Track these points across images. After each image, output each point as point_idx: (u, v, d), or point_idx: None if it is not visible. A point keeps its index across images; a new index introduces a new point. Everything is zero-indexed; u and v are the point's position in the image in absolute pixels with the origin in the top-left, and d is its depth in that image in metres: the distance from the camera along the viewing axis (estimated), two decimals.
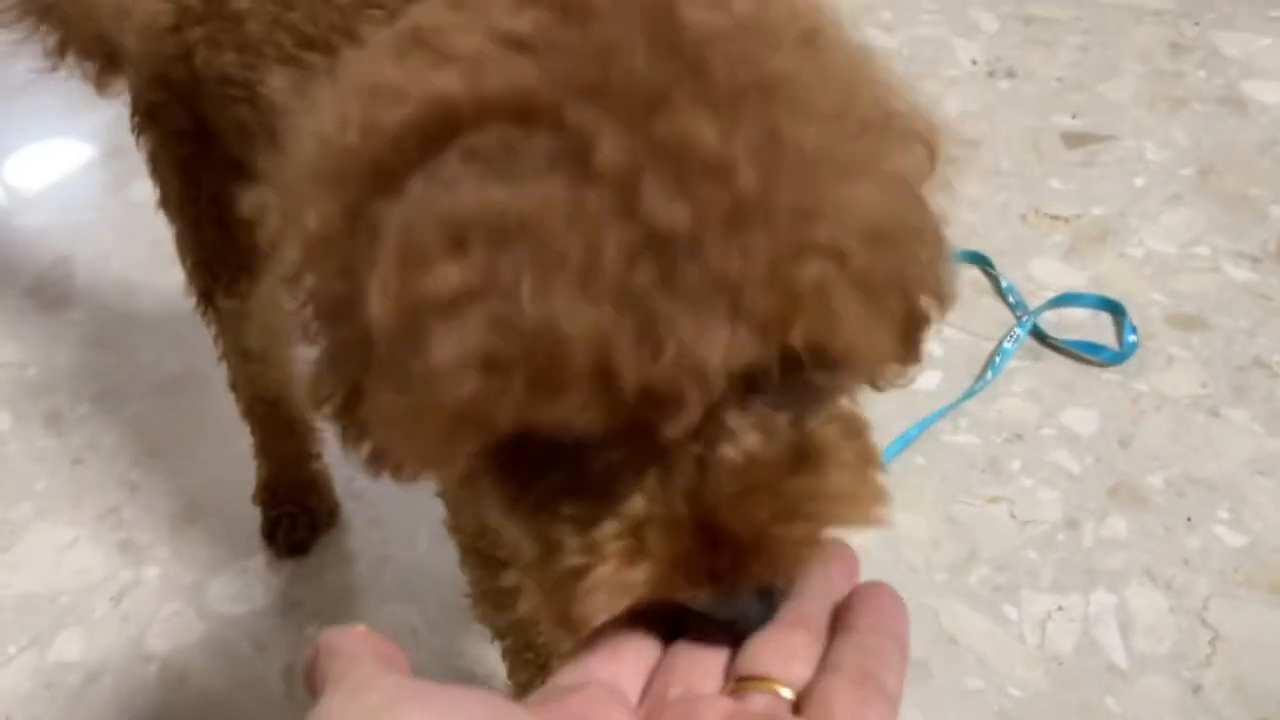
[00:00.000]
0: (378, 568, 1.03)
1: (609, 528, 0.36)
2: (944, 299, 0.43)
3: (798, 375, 0.36)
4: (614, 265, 0.33)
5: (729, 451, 0.36)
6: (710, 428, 0.36)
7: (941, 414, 1.08)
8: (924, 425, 1.06)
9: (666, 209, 0.33)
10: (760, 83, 0.35)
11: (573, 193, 0.33)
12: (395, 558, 1.03)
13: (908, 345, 0.44)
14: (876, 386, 0.45)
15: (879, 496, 0.39)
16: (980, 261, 1.26)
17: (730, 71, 0.35)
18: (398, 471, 0.44)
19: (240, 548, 1.04)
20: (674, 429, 0.34)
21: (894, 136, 0.40)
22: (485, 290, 0.33)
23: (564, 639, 0.39)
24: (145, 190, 0.89)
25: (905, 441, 1.05)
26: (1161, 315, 1.18)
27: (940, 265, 0.42)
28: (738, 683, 0.34)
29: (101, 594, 1.01)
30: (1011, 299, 1.20)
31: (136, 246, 1.38)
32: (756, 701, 0.34)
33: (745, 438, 0.37)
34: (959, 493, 1.02)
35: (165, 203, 0.88)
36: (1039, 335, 1.17)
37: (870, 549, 0.97)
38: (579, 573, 0.36)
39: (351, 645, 0.31)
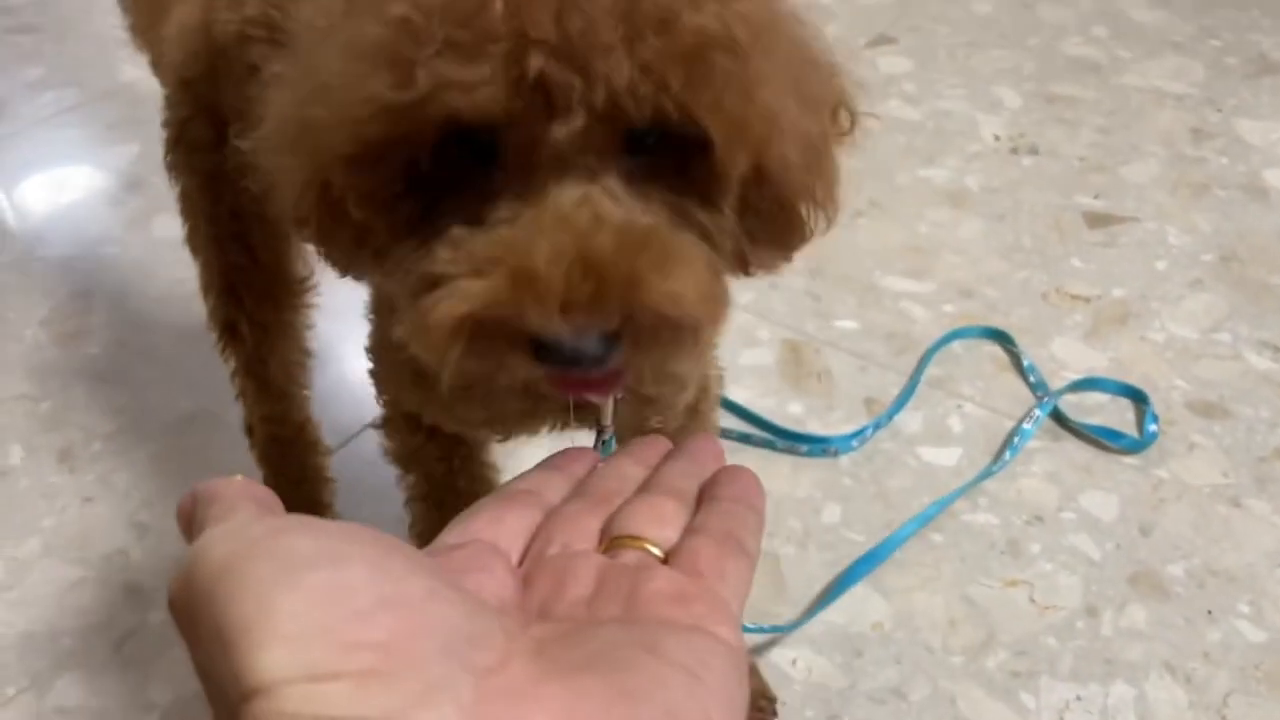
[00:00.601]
0: None
1: (478, 243, 0.41)
2: (829, 212, 0.49)
3: (675, 151, 0.42)
4: None
5: (610, 207, 0.41)
6: (594, 184, 0.41)
7: (960, 493, 1.07)
8: (943, 504, 1.05)
9: None
10: None
11: None
12: None
13: (788, 241, 0.49)
14: (747, 270, 0.49)
15: (725, 294, 0.45)
16: (1001, 338, 1.26)
17: None
18: (372, 255, 0.48)
19: None
20: (560, 130, 0.40)
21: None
22: None
23: (426, 355, 0.42)
24: (166, 226, 0.90)
25: (923, 520, 1.04)
26: (1183, 401, 1.18)
27: (831, 186, 0.48)
28: (612, 541, 0.37)
29: (105, 638, 0.99)
30: (1032, 378, 1.20)
31: (156, 283, 1.38)
32: (629, 557, 0.36)
33: (626, 201, 0.42)
34: (978, 574, 1.01)
35: (193, 235, 0.88)
36: (1058, 417, 1.16)
37: (887, 627, 0.96)
38: (436, 281, 0.41)
39: (229, 491, 0.31)
